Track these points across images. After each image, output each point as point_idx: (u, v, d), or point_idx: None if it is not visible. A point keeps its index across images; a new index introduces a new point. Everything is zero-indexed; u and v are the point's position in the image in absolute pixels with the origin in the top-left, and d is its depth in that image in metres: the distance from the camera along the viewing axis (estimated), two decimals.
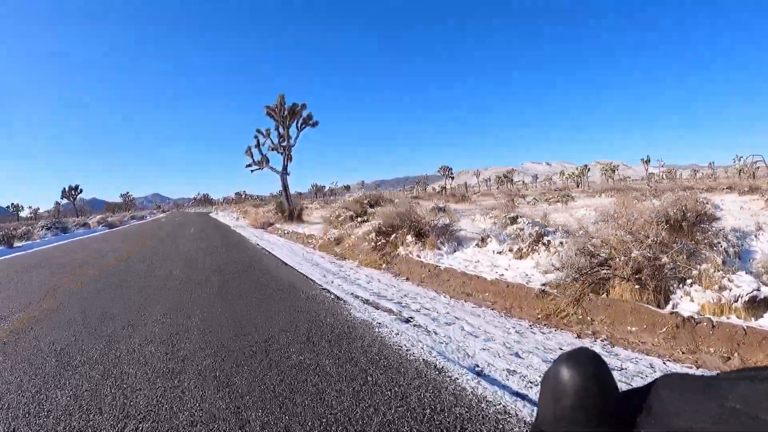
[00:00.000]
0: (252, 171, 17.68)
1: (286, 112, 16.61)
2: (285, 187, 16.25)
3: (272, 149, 17.44)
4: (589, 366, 0.30)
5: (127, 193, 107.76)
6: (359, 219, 9.54)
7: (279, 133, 17.29)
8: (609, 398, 0.29)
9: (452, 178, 78.96)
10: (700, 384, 0.27)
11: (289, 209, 15.77)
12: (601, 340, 2.96)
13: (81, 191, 38.32)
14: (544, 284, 3.87)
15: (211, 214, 41.33)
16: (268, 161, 17.15)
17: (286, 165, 16.52)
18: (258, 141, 17.29)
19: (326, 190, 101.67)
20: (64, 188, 37.30)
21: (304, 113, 16.98)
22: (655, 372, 2.35)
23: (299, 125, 17.02)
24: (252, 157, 17.59)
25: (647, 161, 62.91)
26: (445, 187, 61.94)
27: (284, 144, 17.13)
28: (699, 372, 2.32)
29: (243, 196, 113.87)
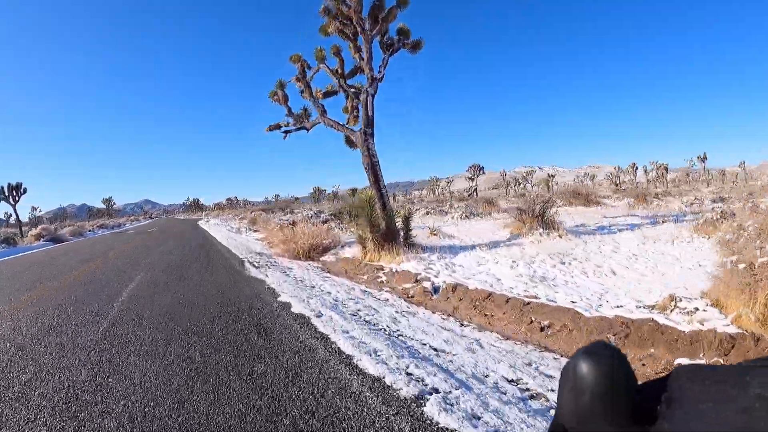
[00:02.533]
0: (285, 134, 8.64)
1: (363, 14, 7.64)
2: (373, 165, 7.16)
3: (325, 94, 8.48)
4: (608, 359, 0.29)
5: (110, 198, 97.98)
6: None
7: (341, 61, 8.33)
8: (629, 391, 0.29)
9: (472, 179, 70.66)
10: (721, 373, 0.27)
11: (387, 216, 6.74)
12: None
13: (25, 191, 28.76)
14: None
15: (200, 222, 31.77)
16: (323, 111, 8.06)
17: (371, 119, 7.48)
18: (303, 72, 8.23)
19: (328, 194, 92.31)
20: (2, 187, 27.68)
21: (394, 25, 8.02)
22: None
23: (386, 43, 8.06)
24: (286, 104, 8.52)
25: (704, 158, 55.40)
26: (476, 189, 53.02)
27: (354, 84, 8.20)
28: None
29: (234, 202, 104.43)
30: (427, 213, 16.94)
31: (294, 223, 10.28)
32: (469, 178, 72.06)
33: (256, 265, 7.24)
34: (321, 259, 7.87)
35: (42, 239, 22.45)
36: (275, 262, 7.59)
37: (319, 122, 8.01)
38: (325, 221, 10.64)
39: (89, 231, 33.16)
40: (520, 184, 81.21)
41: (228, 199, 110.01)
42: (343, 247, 8.23)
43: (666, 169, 61.20)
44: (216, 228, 22.30)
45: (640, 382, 0.30)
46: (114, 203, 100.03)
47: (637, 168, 65.03)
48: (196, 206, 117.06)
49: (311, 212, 11.50)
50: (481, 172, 57.55)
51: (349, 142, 8.63)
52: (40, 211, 78.58)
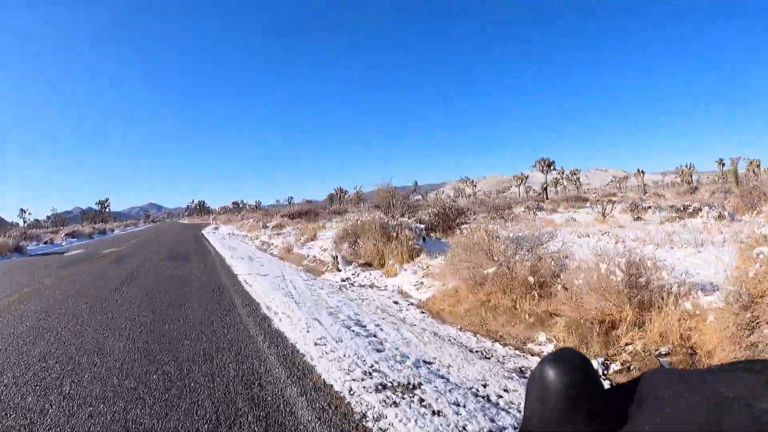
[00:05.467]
0: None
1: None
2: None
3: None
4: (574, 365, 0.29)
5: (106, 200, 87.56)
6: None
7: None
8: (596, 397, 0.29)
9: (521, 179, 59.56)
10: (691, 376, 0.27)
11: None
12: None
13: None
14: None
15: (207, 234, 20.95)
16: None
17: None
18: None
19: (349, 196, 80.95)
20: None
21: None
22: None
23: None
24: None
25: None
26: (546, 188, 41.59)
27: None
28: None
29: (241, 205, 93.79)
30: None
31: None
32: (519, 178, 61.12)
33: None
34: None
35: None
36: None
37: None
38: None
39: (45, 243, 22.40)
40: (552, 186, 69.85)
41: (234, 203, 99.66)
42: None
43: (758, 165, 49.73)
44: (243, 254, 10.71)
45: (613, 385, 0.30)
46: (109, 206, 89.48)
47: (724, 164, 53.91)
48: (201, 209, 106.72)
49: None
50: (551, 168, 46.24)
51: None
52: (30, 213, 67.85)
